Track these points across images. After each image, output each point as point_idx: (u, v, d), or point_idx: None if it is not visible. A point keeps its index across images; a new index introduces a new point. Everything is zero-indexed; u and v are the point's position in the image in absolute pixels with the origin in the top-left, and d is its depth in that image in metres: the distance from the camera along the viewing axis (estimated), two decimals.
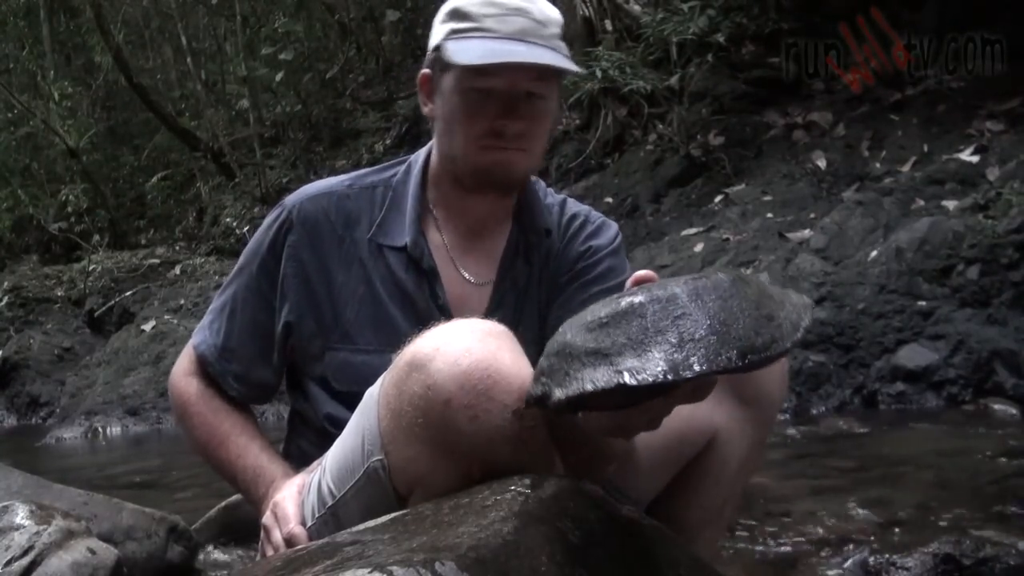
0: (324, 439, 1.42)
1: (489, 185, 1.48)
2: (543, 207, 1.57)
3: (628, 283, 1.07)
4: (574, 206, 1.62)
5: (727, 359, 0.89)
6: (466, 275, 1.51)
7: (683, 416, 1.34)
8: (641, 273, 1.08)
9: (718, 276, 0.96)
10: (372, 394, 1.23)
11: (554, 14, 1.46)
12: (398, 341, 1.37)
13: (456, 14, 1.43)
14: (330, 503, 1.30)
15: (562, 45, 1.45)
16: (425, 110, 1.51)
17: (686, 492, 1.45)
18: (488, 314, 1.46)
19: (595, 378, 0.91)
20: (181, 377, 1.54)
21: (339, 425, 1.39)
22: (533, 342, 1.26)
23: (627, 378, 0.89)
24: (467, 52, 1.39)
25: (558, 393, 0.94)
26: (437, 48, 1.44)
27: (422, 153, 1.55)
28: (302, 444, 1.53)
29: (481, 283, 1.52)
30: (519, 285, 1.53)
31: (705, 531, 1.49)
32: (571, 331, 0.97)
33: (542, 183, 1.63)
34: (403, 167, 1.55)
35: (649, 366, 0.89)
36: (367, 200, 1.50)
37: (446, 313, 1.45)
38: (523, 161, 1.47)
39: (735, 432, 1.42)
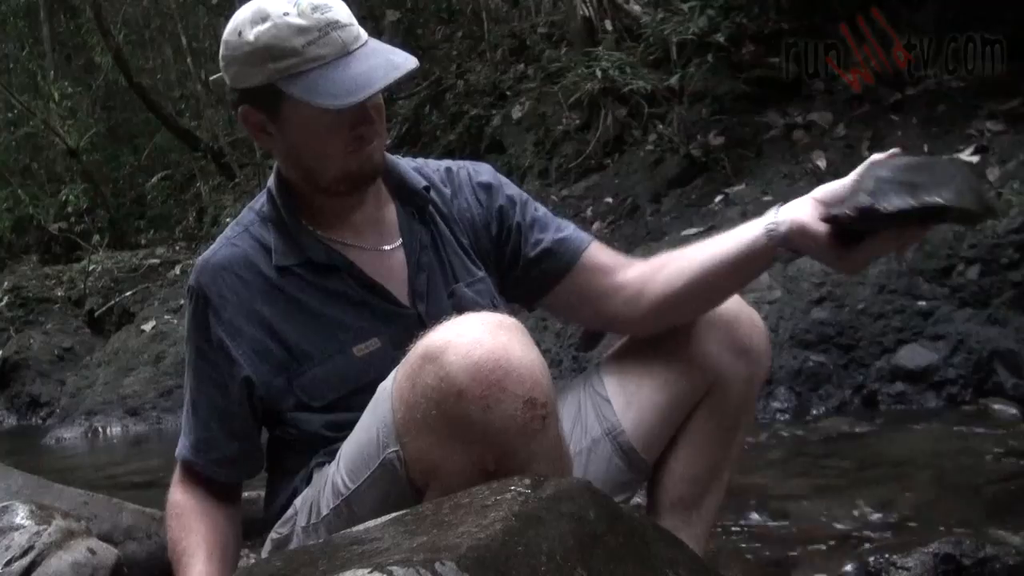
0: (325, 444, 1.44)
1: (363, 182, 1.49)
2: (409, 171, 1.59)
3: (883, 156, 1.41)
4: (435, 162, 1.65)
5: (982, 206, 1.38)
6: (375, 249, 1.52)
7: (689, 359, 1.50)
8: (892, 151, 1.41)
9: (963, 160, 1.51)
10: (385, 387, 1.25)
11: (343, 3, 1.43)
12: (349, 336, 1.44)
13: (269, 53, 1.37)
14: (344, 494, 1.32)
15: (364, 32, 1.44)
16: (261, 143, 1.52)
17: (689, 446, 1.53)
18: (413, 275, 1.50)
19: (915, 198, 1.30)
20: (171, 491, 1.56)
21: (340, 428, 1.40)
22: (473, 285, 1.44)
23: (940, 199, 1.30)
24: (329, 95, 1.35)
25: (885, 205, 1.30)
26: (266, 89, 1.39)
27: (273, 175, 1.55)
28: (294, 461, 1.51)
29: (391, 248, 1.53)
30: (425, 242, 1.55)
31: (707, 497, 1.55)
32: (886, 170, 1.36)
33: (394, 156, 1.64)
34: (263, 198, 1.55)
35: (948, 196, 1.30)
36: (251, 239, 1.51)
37: (378, 290, 1.48)
38: (381, 147, 1.49)
39: (731, 380, 1.51)
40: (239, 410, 1.49)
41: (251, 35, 1.38)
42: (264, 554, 1.51)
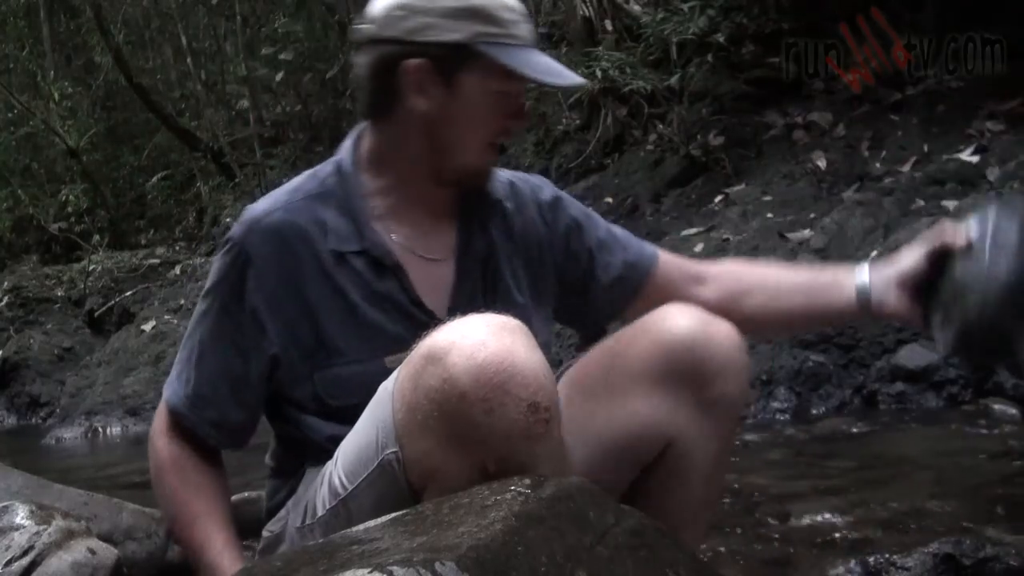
0: (327, 457, 1.40)
1: (476, 181, 1.49)
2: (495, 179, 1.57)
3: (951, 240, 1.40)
4: (504, 173, 1.61)
5: None
6: (427, 257, 1.49)
7: (638, 419, 1.36)
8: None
9: None
10: (387, 388, 1.23)
11: None
12: (385, 343, 1.39)
13: (480, 15, 1.39)
14: (342, 495, 1.30)
15: None
16: (419, 103, 1.42)
17: (653, 497, 1.41)
18: (455, 288, 1.47)
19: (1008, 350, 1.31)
20: (157, 437, 1.49)
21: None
22: (510, 311, 1.25)
23: None
24: (532, 66, 1.40)
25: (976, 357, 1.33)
26: (457, 48, 1.39)
27: (348, 148, 1.50)
28: (294, 463, 1.49)
29: (442, 259, 1.50)
30: (480, 256, 1.51)
31: (681, 536, 1.43)
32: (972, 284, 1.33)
33: None
34: (331, 167, 1.50)
35: None
36: (311, 211, 1.45)
37: (418, 304, 1.44)
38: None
39: (694, 435, 1.37)
40: (255, 381, 1.44)
41: None
42: (257, 550, 1.50)
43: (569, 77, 1.47)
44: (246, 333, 1.43)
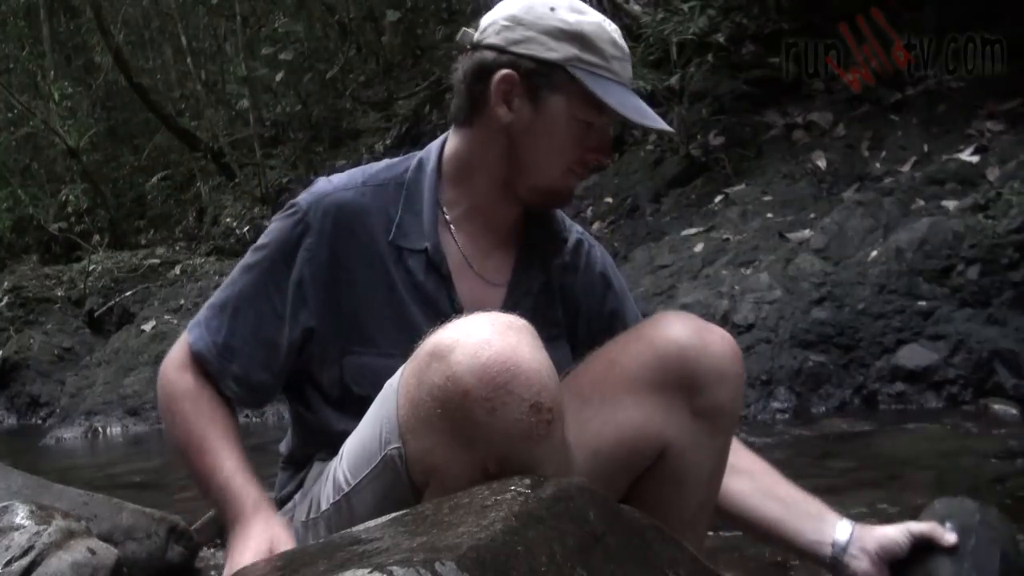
0: (335, 452, 1.40)
1: (551, 204, 1.50)
2: (563, 218, 1.58)
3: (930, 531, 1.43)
4: (572, 224, 1.63)
5: None
6: (481, 276, 1.50)
7: (633, 426, 1.36)
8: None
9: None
10: (392, 384, 1.24)
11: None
12: (418, 344, 1.39)
13: (582, 40, 1.40)
14: (345, 490, 1.30)
15: None
16: (503, 113, 1.42)
17: (648, 505, 1.39)
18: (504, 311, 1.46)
19: None
20: (173, 370, 1.46)
21: None
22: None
23: None
24: (620, 101, 1.40)
25: None
26: (553, 67, 1.40)
27: (434, 149, 1.52)
28: (305, 454, 1.49)
29: (496, 284, 1.51)
30: (533, 291, 1.53)
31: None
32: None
33: None
34: (413, 163, 1.51)
35: None
36: (381, 199, 1.46)
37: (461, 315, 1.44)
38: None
39: (689, 443, 1.37)
40: (285, 348, 1.43)
41: (567, 16, 1.41)
42: None
43: (657, 121, 1.45)
44: (287, 300, 1.42)
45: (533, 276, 1.53)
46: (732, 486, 1.50)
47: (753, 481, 1.54)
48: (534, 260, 1.53)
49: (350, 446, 1.32)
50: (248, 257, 1.47)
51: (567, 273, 1.57)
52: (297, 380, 1.48)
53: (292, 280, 1.42)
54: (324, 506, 1.35)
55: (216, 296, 1.49)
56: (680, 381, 1.35)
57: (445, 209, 1.49)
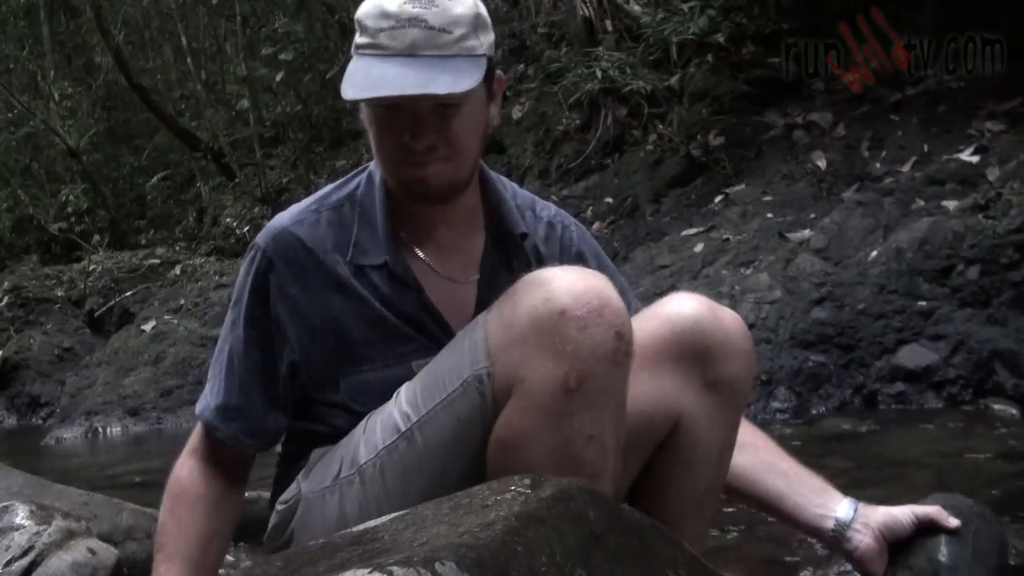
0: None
1: (416, 198, 1.44)
2: (511, 211, 1.53)
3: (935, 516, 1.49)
4: (543, 208, 1.59)
5: None
6: (449, 278, 1.49)
7: (648, 399, 1.37)
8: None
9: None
10: (478, 320, 1.31)
11: (462, 11, 1.35)
12: (409, 350, 1.42)
13: (359, 23, 1.36)
14: (410, 423, 1.31)
15: (468, 47, 1.35)
16: (361, 116, 1.43)
17: (660, 482, 1.44)
18: (478, 310, 1.43)
19: None
20: (183, 455, 1.50)
21: None
22: None
23: None
24: (350, 81, 1.33)
25: None
26: (349, 59, 1.38)
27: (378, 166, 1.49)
28: (306, 451, 1.49)
29: (465, 282, 1.49)
30: (503, 285, 1.47)
31: (687, 523, 1.45)
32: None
33: (505, 180, 1.58)
34: (363, 177, 1.49)
35: None
36: (337, 221, 1.46)
37: (439, 319, 1.44)
38: (445, 172, 1.40)
39: (701, 415, 1.39)
40: (283, 385, 1.45)
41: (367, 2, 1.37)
42: (269, 526, 1.49)
43: (387, 86, 1.31)
44: (271, 337, 1.44)
45: (501, 277, 1.48)
46: (735, 459, 1.50)
47: (756, 454, 1.56)
48: (499, 262, 1.51)
49: (415, 384, 1.35)
50: (228, 315, 1.50)
51: (541, 260, 1.53)
52: (300, 403, 1.49)
53: (271, 318, 1.44)
54: (366, 457, 1.35)
55: (212, 363, 1.51)
56: (694, 351, 1.38)
57: (400, 218, 1.47)
